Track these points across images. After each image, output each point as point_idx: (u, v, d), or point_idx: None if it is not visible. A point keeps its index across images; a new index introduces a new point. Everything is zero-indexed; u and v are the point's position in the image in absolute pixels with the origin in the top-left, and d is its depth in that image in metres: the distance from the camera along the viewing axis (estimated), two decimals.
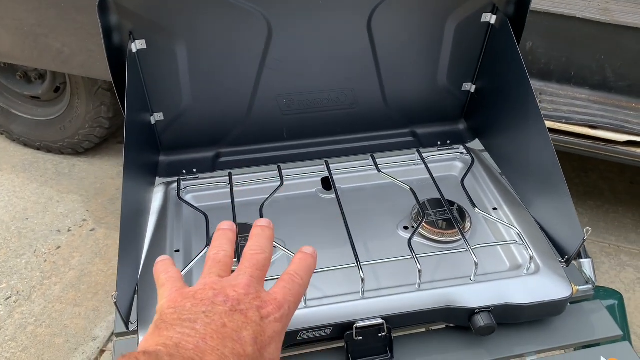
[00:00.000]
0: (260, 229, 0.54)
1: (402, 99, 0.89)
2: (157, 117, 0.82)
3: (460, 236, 0.73)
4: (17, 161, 2.26)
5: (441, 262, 0.72)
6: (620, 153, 1.57)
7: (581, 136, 1.58)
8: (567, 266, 0.69)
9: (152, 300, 0.63)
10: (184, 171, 0.86)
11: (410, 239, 0.71)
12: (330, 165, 0.86)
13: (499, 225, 0.77)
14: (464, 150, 0.92)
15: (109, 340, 1.58)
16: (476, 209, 0.77)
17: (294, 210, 0.83)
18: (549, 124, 1.55)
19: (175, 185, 0.84)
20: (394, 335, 0.64)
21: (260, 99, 0.83)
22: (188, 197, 0.84)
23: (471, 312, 0.64)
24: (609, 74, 1.60)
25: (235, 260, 0.58)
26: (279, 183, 0.83)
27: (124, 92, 0.67)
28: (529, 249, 0.69)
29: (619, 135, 1.55)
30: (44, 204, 2.05)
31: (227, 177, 0.84)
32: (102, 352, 1.55)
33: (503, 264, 0.72)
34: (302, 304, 0.63)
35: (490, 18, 0.80)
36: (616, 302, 0.81)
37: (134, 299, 0.65)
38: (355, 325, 0.61)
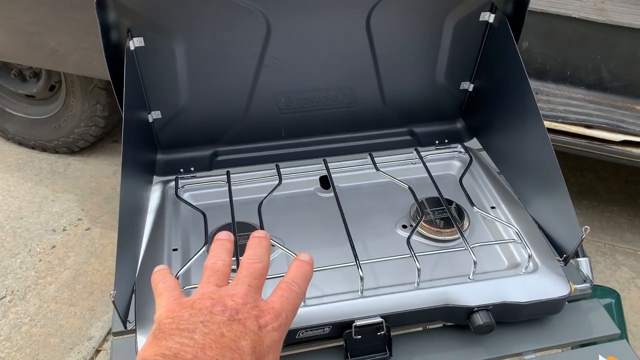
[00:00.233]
0: (258, 239, 0.54)
1: (401, 98, 0.89)
2: (155, 115, 0.82)
3: (458, 235, 0.73)
4: (11, 160, 2.25)
5: (440, 260, 0.72)
6: (616, 152, 1.58)
7: (577, 136, 1.58)
8: (565, 265, 0.69)
9: (150, 299, 0.62)
10: (182, 170, 0.86)
11: (408, 237, 0.71)
12: (328, 164, 0.85)
13: (497, 224, 0.77)
14: (462, 149, 0.92)
15: (105, 339, 1.57)
16: (474, 207, 0.77)
17: (292, 208, 0.83)
18: (544, 123, 1.56)
19: (173, 183, 0.84)
20: (392, 333, 0.64)
21: (259, 97, 0.83)
22: (186, 196, 0.84)
23: (470, 311, 0.64)
24: (604, 73, 1.60)
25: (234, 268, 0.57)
26: (277, 182, 0.83)
27: (122, 90, 0.67)
28: (527, 248, 0.69)
29: (615, 135, 1.56)
30: (39, 203, 2.04)
31: (225, 176, 0.84)
32: (97, 351, 1.55)
33: (501, 263, 0.72)
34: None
35: (489, 17, 0.80)
36: (613, 300, 0.82)
37: (131, 298, 0.65)
38: (354, 324, 0.61)
